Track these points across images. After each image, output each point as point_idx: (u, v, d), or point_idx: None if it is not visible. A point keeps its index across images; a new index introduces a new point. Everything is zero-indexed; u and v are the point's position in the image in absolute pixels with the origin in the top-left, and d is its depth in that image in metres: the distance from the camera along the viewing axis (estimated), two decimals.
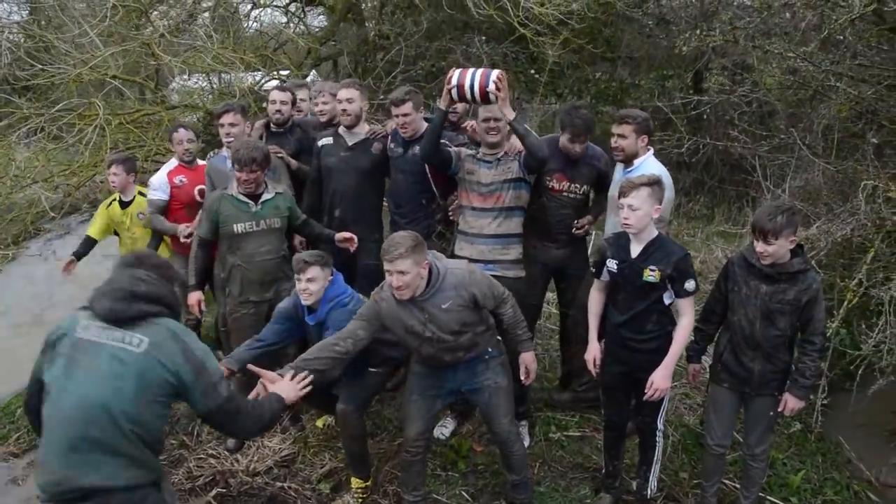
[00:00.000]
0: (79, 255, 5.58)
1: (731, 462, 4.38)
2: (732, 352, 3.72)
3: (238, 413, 2.85)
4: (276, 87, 5.60)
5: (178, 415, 5.28)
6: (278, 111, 5.24)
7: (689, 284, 3.58)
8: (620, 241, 3.73)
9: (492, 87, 4.02)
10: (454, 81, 4.13)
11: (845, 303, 4.69)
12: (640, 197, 3.52)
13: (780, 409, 3.71)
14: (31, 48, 9.09)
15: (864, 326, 4.58)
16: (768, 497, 4.21)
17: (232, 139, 4.91)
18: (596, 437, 4.75)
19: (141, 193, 5.49)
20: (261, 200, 4.57)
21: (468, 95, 4.13)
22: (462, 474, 4.53)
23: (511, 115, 4.12)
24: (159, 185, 5.26)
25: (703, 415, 3.99)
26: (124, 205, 5.48)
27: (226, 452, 4.83)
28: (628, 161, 4.35)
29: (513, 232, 4.39)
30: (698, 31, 5.79)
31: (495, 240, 4.38)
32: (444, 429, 4.84)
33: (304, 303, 4.13)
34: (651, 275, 3.59)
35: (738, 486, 4.13)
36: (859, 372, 4.67)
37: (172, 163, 5.37)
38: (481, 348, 3.81)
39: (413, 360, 3.96)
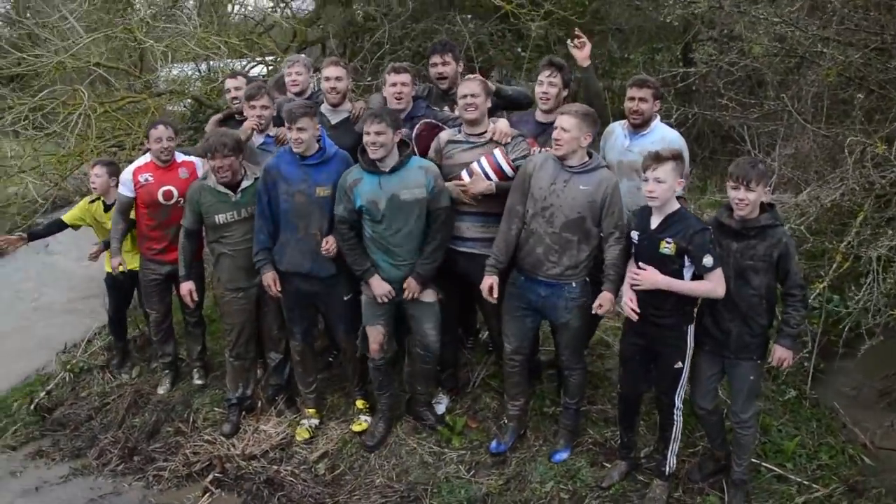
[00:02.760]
0: (36, 234, 5.59)
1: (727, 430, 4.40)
2: (711, 315, 3.76)
3: None
4: (228, 75, 5.53)
5: (174, 402, 5.28)
6: (234, 98, 5.16)
7: (707, 260, 3.54)
8: (644, 213, 3.76)
9: (507, 169, 4.19)
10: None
11: (834, 265, 4.67)
12: (666, 170, 3.53)
13: (768, 361, 3.77)
14: (13, 37, 8.99)
15: (852, 288, 4.58)
16: (763, 463, 4.23)
17: (264, 122, 4.80)
18: (591, 409, 4.75)
19: None
20: (240, 189, 4.53)
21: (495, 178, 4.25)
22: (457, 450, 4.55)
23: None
24: (124, 181, 5.07)
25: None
26: (107, 207, 5.41)
27: (222, 438, 4.84)
28: (644, 124, 4.37)
29: (492, 211, 4.32)
30: None
31: (474, 217, 4.36)
32: (438, 405, 4.85)
33: (296, 150, 4.26)
34: (667, 247, 3.59)
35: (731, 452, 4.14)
36: (844, 331, 4.69)
37: (145, 158, 5.13)
38: (572, 273, 3.99)
39: (509, 280, 4.20)
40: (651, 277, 3.62)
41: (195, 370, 5.50)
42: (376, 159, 4.12)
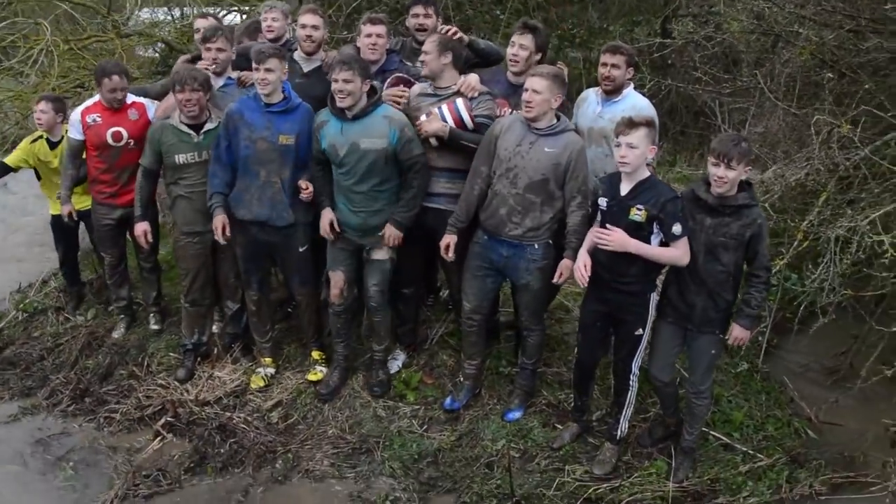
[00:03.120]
0: None
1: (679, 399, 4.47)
2: (677, 286, 3.76)
3: None
4: (198, 16, 5.44)
5: (129, 346, 5.22)
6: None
7: (676, 228, 3.54)
8: (613, 180, 3.73)
9: (465, 117, 4.17)
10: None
11: (794, 244, 4.74)
12: (639, 136, 3.51)
13: (725, 338, 3.79)
14: None
15: (810, 267, 4.65)
16: (711, 432, 4.30)
17: (218, 65, 4.65)
18: (546, 371, 4.79)
19: None
20: (203, 130, 4.45)
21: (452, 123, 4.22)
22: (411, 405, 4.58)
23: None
24: (73, 122, 4.92)
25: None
26: (53, 145, 5.26)
27: (175, 383, 4.80)
28: (615, 91, 4.32)
29: (457, 167, 4.30)
30: None
31: (442, 173, 4.34)
32: (394, 361, 4.85)
33: (261, 92, 4.20)
34: (637, 214, 3.57)
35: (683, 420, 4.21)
36: (800, 310, 4.76)
37: (93, 99, 4.98)
38: (534, 234, 3.99)
39: (473, 239, 4.22)
40: (620, 239, 3.58)
41: (151, 315, 5.43)
42: (344, 107, 4.08)
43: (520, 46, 4.38)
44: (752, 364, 4.98)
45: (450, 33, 4.41)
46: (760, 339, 5.00)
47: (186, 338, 4.89)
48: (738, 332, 3.75)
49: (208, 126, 4.45)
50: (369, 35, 4.62)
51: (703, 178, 3.69)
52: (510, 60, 4.42)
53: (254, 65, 4.18)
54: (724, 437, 4.29)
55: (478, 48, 4.63)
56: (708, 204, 3.57)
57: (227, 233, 4.37)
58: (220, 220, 4.33)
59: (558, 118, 3.98)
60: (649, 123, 3.56)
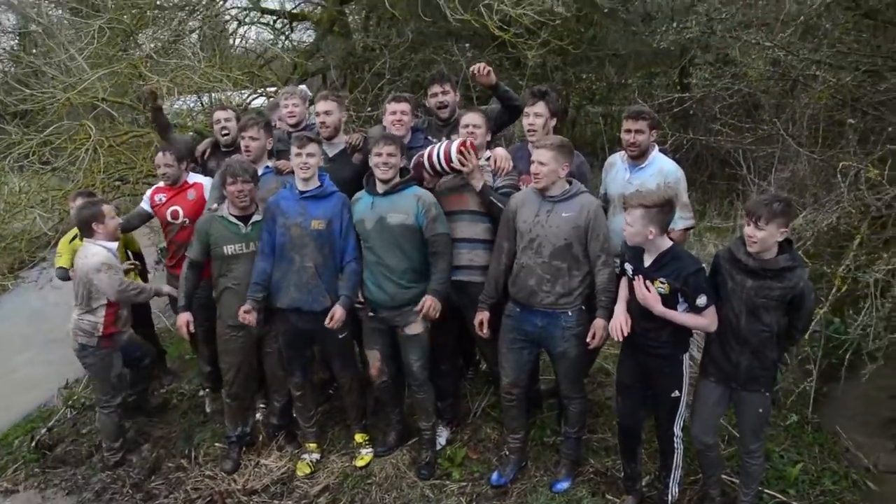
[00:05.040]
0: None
1: (730, 457, 4.37)
2: (720, 345, 3.71)
3: None
4: (218, 107, 5.64)
5: (174, 438, 5.28)
6: (224, 129, 5.26)
7: (701, 300, 3.53)
8: (636, 250, 3.74)
9: (455, 161, 4.22)
10: (424, 157, 4.34)
11: (833, 290, 4.66)
12: (634, 216, 3.55)
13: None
14: (19, 74, 9.12)
15: (851, 313, 4.56)
16: (766, 490, 4.19)
17: (251, 153, 4.84)
18: (592, 438, 4.73)
19: None
20: (251, 221, 4.55)
21: (438, 168, 4.32)
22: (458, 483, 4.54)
23: (478, 185, 4.28)
24: (146, 197, 5.29)
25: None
26: None
27: (223, 473, 4.82)
28: (641, 156, 4.37)
29: (478, 237, 4.39)
30: (675, 25, 5.80)
31: (460, 244, 4.41)
32: (438, 438, 4.83)
33: (302, 176, 4.35)
34: (661, 286, 3.58)
35: (736, 481, 4.11)
36: (847, 357, 4.66)
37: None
38: (566, 301, 4.00)
39: (504, 312, 4.23)
40: (653, 300, 3.58)
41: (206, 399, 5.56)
42: (385, 179, 4.26)
43: (535, 115, 4.48)
44: (802, 415, 4.86)
45: (484, 70, 4.53)
46: (808, 388, 4.89)
47: (231, 430, 4.92)
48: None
49: (255, 218, 4.56)
50: (394, 112, 4.79)
51: (740, 238, 3.63)
52: (528, 131, 4.51)
53: (295, 150, 4.32)
54: (779, 496, 4.18)
55: (503, 92, 4.74)
56: (749, 267, 3.52)
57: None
58: (247, 306, 4.41)
59: (570, 183, 4.04)
60: (646, 205, 3.53)
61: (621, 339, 3.74)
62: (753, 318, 3.56)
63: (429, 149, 4.36)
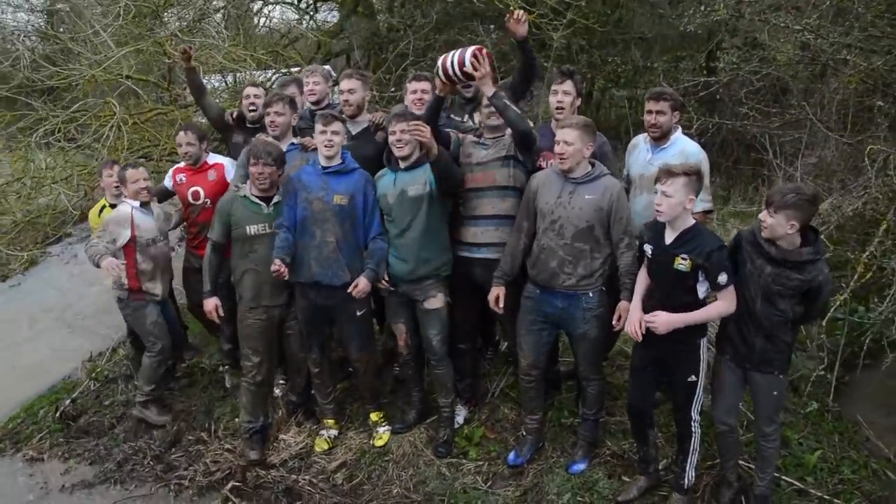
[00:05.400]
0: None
1: (747, 443, 4.35)
2: (737, 324, 3.70)
3: None
4: (250, 83, 5.66)
5: (195, 412, 5.35)
6: (252, 105, 5.28)
7: (722, 277, 3.51)
8: (657, 227, 3.72)
9: (468, 65, 4.06)
10: (438, 64, 4.21)
11: (856, 276, 4.60)
12: (676, 186, 3.50)
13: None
14: (46, 52, 9.21)
15: (876, 300, 4.50)
16: (783, 477, 4.18)
17: (276, 129, 4.84)
18: (609, 420, 4.73)
19: None
20: (273, 202, 4.55)
21: (451, 74, 4.18)
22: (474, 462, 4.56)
23: (490, 91, 4.15)
24: (168, 176, 5.39)
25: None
26: (114, 207, 5.42)
27: (250, 454, 4.80)
28: (663, 137, 4.34)
29: (505, 213, 4.35)
30: (703, 7, 5.71)
31: (487, 221, 4.38)
32: (456, 417, 4.85)
33: (326, 154, 4.39)
34: (682, 263, 3.56)
35: (752, 466, 4.10)
36: (865, 343, 4.61)
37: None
38: (587, 282, 4.00)
39: (524, 294, 4.23)
40: (665, 321, 3.59)
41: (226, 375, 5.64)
42: (403, 157, 4.29)
43: (563, 93, 4.45)
44: (822, 403, 4.82)
45: (523, 17, 4.40)
46: (829, 376, 4.85)
47: (252, 419, 4.83)
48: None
49: (276, 199, 4.55)
50: (415, 91, 4.81)
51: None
52: (556, 109, 4.47)
53: (320, 127, 4.35)
54: (797, 483, 4.16)
55: (528, 47, 4.62)
56: (770, 254, 3.50)
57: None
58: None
59: (592, 164, 4.02)
60: (689, 173, 3.51)
61: (640, 340, 3.73)
62: (768, 303, 3.56)
63: (443, 57, 4.26)
